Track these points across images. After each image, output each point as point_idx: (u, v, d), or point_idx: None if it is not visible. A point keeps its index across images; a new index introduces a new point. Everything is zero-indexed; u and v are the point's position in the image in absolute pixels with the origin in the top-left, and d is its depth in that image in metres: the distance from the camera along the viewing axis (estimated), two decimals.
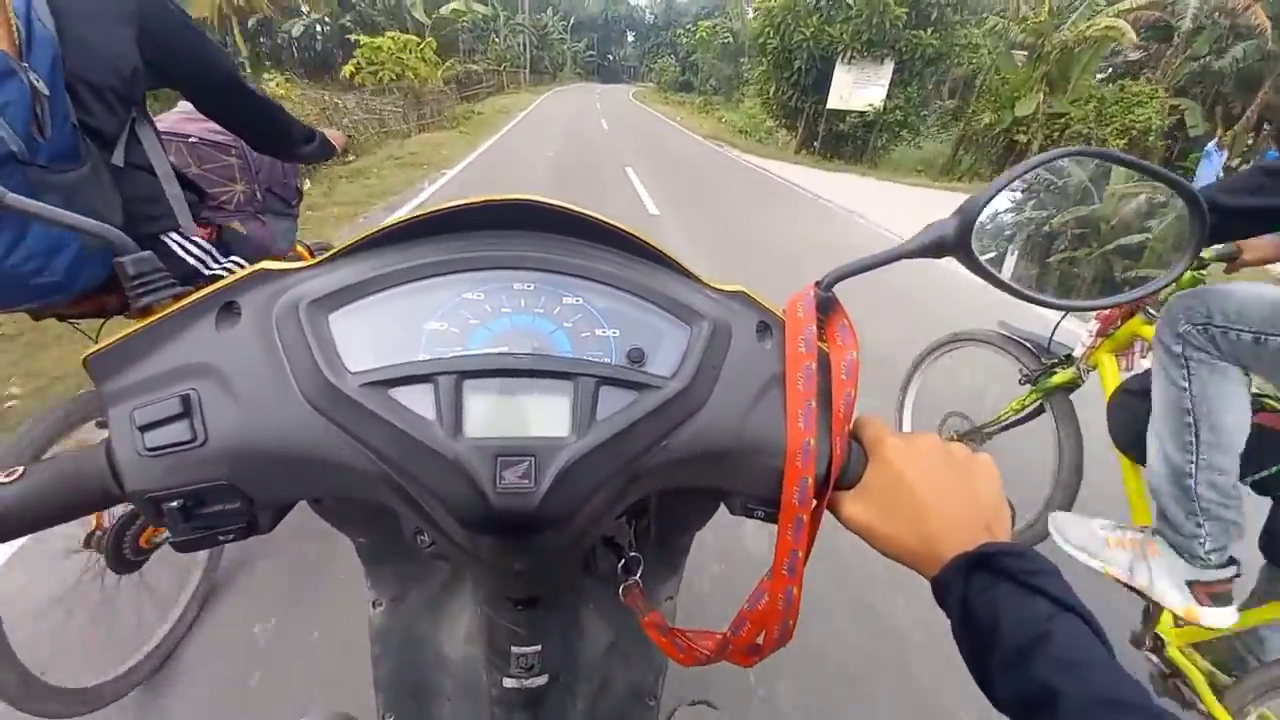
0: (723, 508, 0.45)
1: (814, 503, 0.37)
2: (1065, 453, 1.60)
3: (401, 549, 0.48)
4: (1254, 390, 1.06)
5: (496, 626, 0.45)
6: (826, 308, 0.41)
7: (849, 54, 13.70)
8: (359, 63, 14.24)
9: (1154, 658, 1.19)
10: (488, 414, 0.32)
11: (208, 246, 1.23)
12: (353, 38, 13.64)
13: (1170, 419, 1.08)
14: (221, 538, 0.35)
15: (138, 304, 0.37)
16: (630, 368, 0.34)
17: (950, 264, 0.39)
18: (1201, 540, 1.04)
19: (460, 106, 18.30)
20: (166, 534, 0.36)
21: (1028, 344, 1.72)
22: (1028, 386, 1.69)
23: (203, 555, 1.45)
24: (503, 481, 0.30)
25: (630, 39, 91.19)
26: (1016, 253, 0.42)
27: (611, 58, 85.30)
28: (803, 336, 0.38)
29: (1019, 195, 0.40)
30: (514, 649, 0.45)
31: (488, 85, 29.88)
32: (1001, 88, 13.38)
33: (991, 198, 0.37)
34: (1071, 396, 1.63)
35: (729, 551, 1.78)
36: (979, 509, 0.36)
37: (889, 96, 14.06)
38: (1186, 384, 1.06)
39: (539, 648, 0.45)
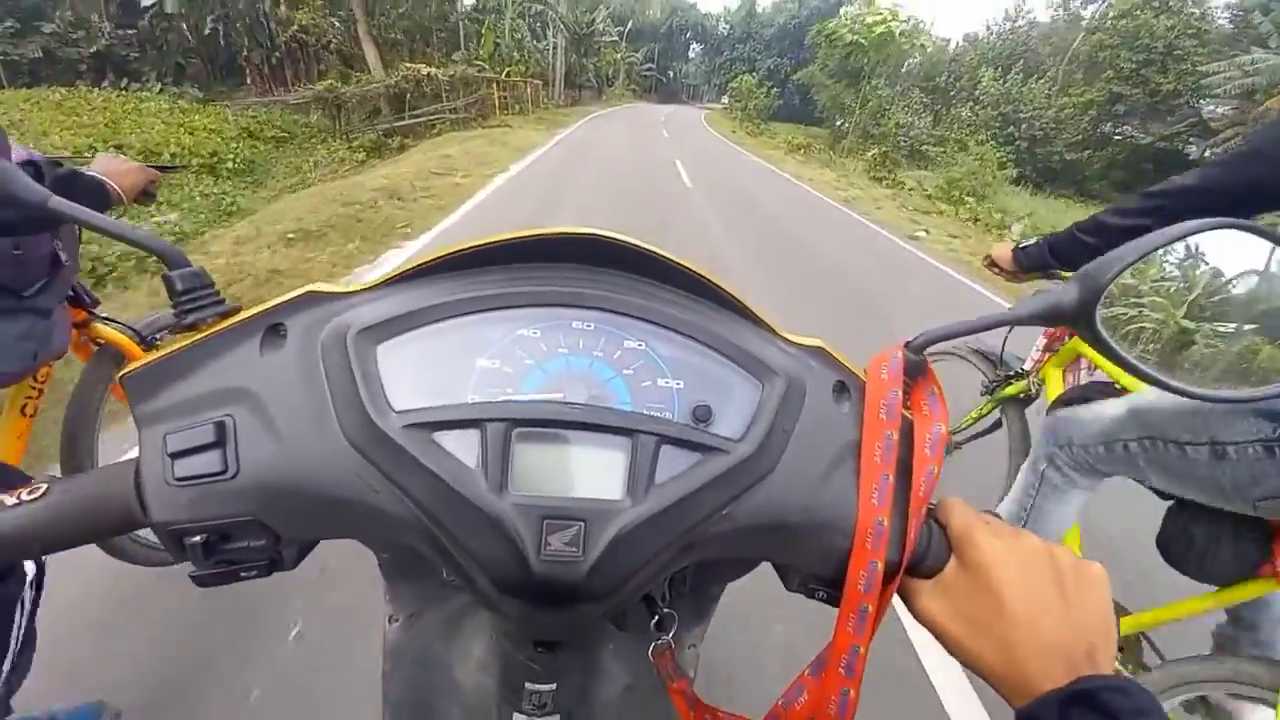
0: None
1: (881, 590, 0.33)
2: (1014, 461, 1.62)
3: (426, 566, 0.46)
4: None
5: (513, 661, 0.42)
6: (914, 371, 0.37)
7: None
8: None
9: None
10: (536, 468, 0.30)
11: None
12: None
13: (1009, 516, 1.29)
14: (243, 574, 0.33)
15: (184, 320, 0.36)
16: (695, 427, 0.31)
17: None
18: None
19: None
20: None
21: (990, 356, 1.73)
22: (987, 397, 1.74)
23: None
24: (548, 547, 0.28)
25: (693, 53, 77.69)
26: (1143, 329, 0.39)
27: (671, 74, 71.64)
28: (885, 401, 0.35)
29: (1160, 265, 0.36)
30: (529, 685, 0.42)
31: (455, 109, 15.62)
32: None
33: (1124, 269, 0.33)
34: (1028, 410, 1.66)
35: None
36: (1083, 631, 0.30)
37: None
38: (1032, 496, 1.25)
39: (554, 687, 0.42)
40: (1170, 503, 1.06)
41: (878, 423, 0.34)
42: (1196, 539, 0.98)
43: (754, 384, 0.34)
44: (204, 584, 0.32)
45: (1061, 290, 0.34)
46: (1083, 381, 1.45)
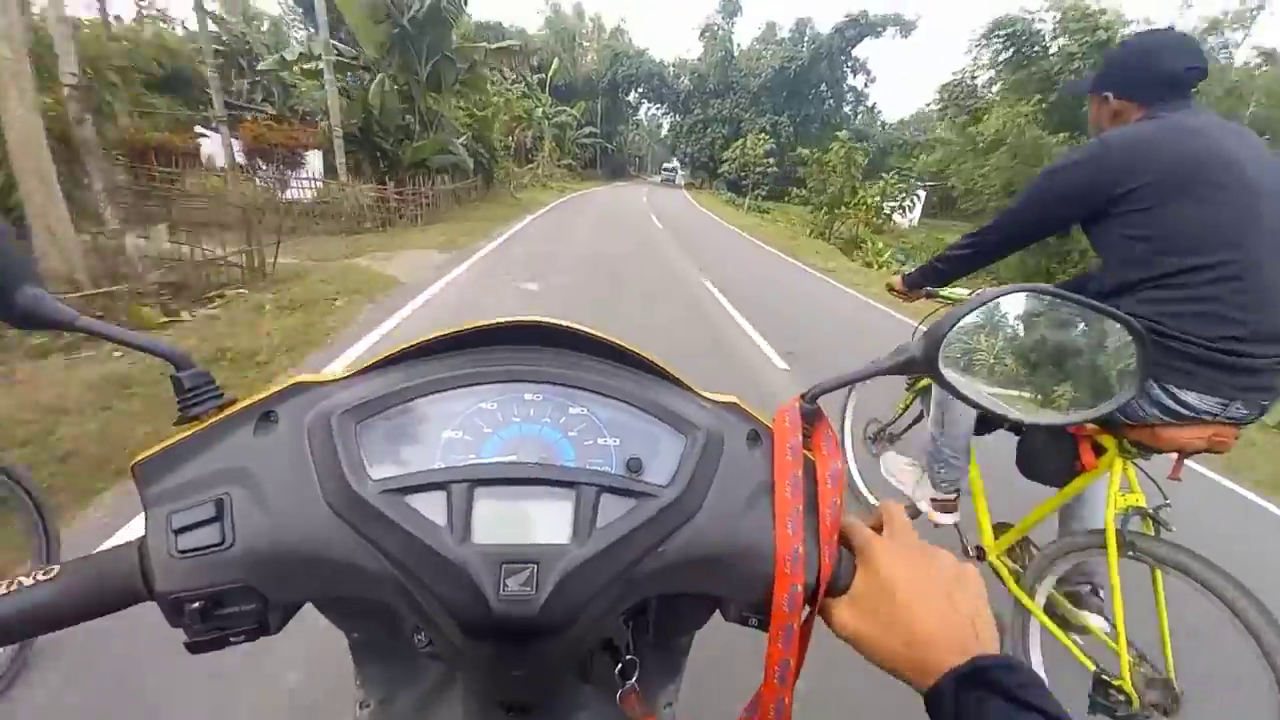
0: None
1: (805, 610, 0.38)
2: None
3: (395, 648, 0.49)
4: None
5: None
6: (811, 419, 0.43)
7: None
8: None
9: (978, 562, 1.85)
10: (495, 520, 0.34)
11: None
12: None
13: (931, 411, 1.95)
14: (233, 639, 0.36)
15: (189, 414, 0.40)
16: (629, 476, 0.36)
17: None
18: (940, 476, 1.90)
19: None
20: None
21: None
22: (909, 390, 2.44)
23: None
24: (505, 589, 0.32)
25: (644, 113, 60.67)
26: (982, 371, 0.48)
27: (616, 141, 53.44)
28: (790, 445, 0.40)
29: (980, 320, 0.44)
30: None
31: None
32: None
33: (954, 325, 0.41)
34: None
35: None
36: (966, 618, 0.35)
37: None
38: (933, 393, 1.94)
39: None
40: (1019, 437, 1.72)
41: (786, 464, 0.39)
42: (1036, 452, 1.64)
43: (678, 437, 0.38)
44: (197, 650, 0.35)
45: (913, 346, 0.42)
46: None
